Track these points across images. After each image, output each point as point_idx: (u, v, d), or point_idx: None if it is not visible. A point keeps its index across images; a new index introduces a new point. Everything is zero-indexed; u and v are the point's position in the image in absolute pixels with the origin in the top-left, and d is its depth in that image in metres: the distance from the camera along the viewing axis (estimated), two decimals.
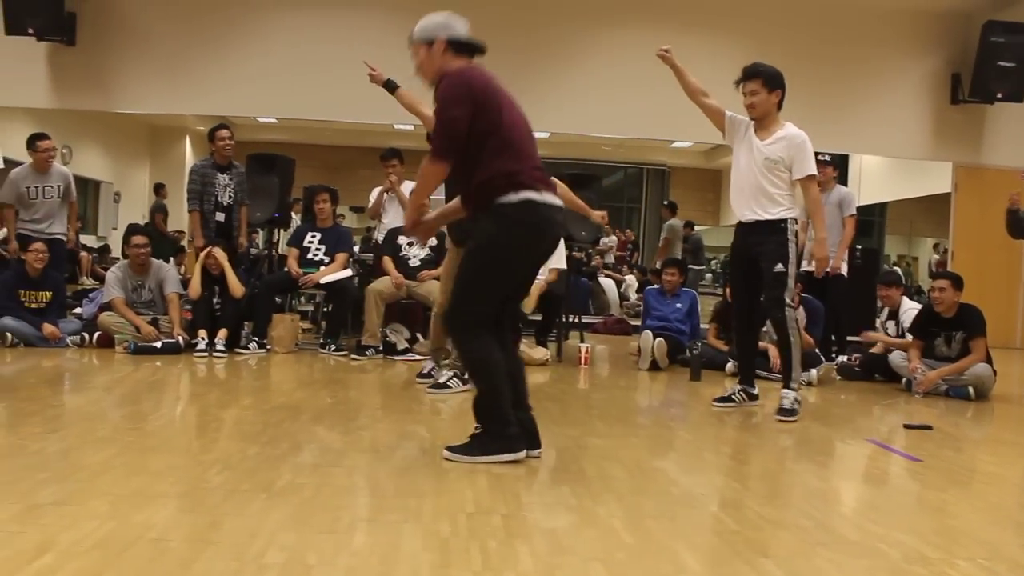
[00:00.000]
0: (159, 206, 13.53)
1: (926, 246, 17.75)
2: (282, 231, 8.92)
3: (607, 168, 19.03)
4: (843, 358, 6.92)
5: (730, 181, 4.97)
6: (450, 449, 3.27)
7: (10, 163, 7.14)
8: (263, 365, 6.03)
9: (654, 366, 6.54)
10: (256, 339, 6.57)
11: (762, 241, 4.76)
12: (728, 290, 7.13)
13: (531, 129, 3.44)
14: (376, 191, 7.49)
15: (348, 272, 6.96)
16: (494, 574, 2.11)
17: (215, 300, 6.53)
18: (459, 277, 3.35)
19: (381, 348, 6.53)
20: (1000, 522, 2.87)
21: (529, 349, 6.48)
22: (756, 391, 5.04)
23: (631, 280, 14.05)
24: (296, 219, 9.86)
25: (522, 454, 3.26)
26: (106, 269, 8.88)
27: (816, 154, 4.90)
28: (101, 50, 8.83)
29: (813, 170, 4.77)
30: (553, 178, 5.51)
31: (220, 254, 6.53)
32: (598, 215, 6.47)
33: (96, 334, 6.44)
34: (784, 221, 4.73)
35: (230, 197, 7.00)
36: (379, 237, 7.49)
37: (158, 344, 6.15)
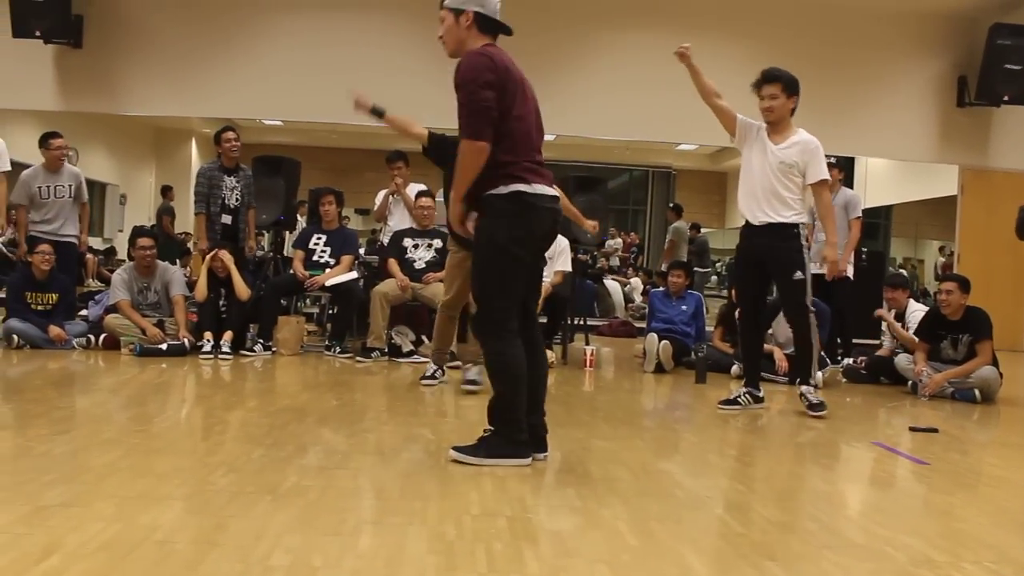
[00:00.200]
0: (166, 208, 13.56)
1: (932, 249, 17.71)
2: (288, 233, 8.93)
3: (613, 170, 19.03)
4: (848, 361, 6.91)
5: (739, 183, 4.97)
6: (457, 449, 3.28)
7: (16, 166, 7.13)
8: (268, 367, 6.03)
9: (659, 368, 6.53)
10: (261, 341, 6.58)
11: (773, 245, 4.78)
12: (733, 292, 7.16)
13: (540, 121, 3.44)
14: (382, 193, 7.50)
15: (353, 274, 6.96)
16: None
17: (221, 302, 6.54)
18: (472, 282, 3.37)
19: (386, 350, 6.54)
20: (1006, 525, 2.86)
21: None
22: (761, 393, 5.04)
23: (636, 282, 14.04)
24: (301, 221, 9.87)
25: (527, 461, 3.26)
26: (112, 271, 8.91)
27: None
28: (108, 53, 8.84)
29: (827, 175, 4.84)
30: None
31: (227, 256, 6.54)
32: (590, 224, 6.47)
33: (102, 336, 6.45)
34: (796, 226, 4.78)
35: (237, 200, 7.01)
36: (384, 239, 7.50)
37: (164, 346, 6.16)
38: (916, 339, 6.10)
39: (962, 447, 4.37)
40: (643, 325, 8.27)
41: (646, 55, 9.07)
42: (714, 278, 17.47)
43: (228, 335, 6.33)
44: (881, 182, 14.06)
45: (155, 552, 2.17)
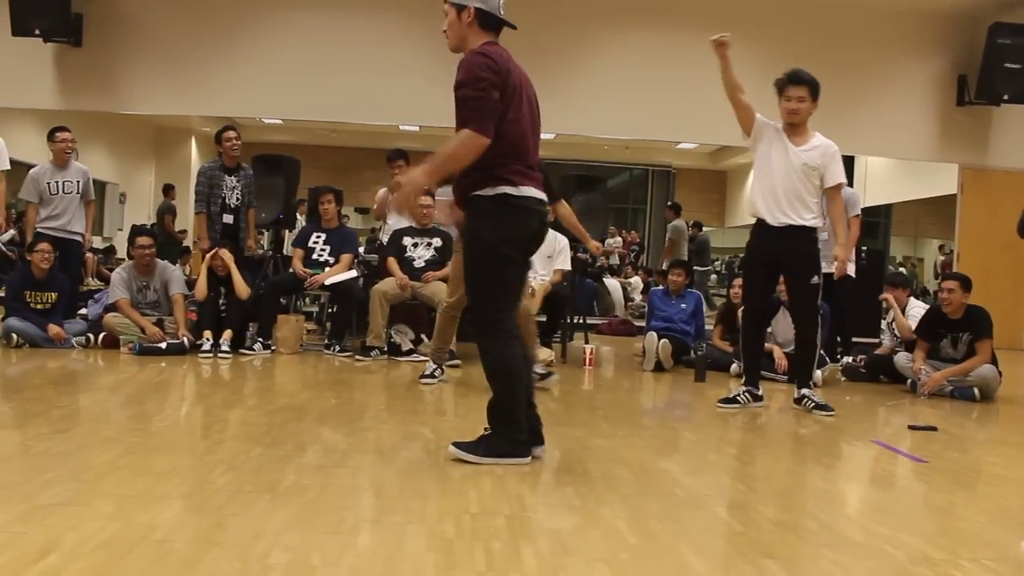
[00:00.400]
0: (168, 207, 13.56)
1: (932, 247, 17.71)
2: (287, 232, 8.93)
3: (612, 169, 19.01)
4: (848, 359, 6.91)
5: (755, 182, 4.93)
6: (456, 445, 3.28)
7: (16, 165, 7.13)
8: (268, 366, 6.03)
9: (658, 367, 6.53)
10: (261, 340, 6.58)
11: (793, 248, 4.80)
12: (732, 291, 7.16)
13: (537, 123, 3.43)
14: (382, 192, 7.50)
15: (353, 273, 6.96)
16: (498, 575, 2.11)
17: (220, 301, 6.54)
18: (466, 284, 3.37)
19: (386, 349, 6.54)
20: (1005, 523, 2.86)
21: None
22: (761, 392, 5.04)
23: (636, 281, 14.05)
24: (301, 220, 9.87)
25: (527, 460, 3.26)
26: (111, 270, 8.90)
27: None
28: (107, 51, 8.85)
29: (844, 179, 4.90)
30: (561, 202, 5.54)
31: (227, 255, 6.53)
32: (594, 245, 6.50)
33: (101, 335, 6.45)
34: (815, 229, 4.83)
35: (237, 199, 7.01)
36: (384, 238, 7.50)
37: (163, 345, 6.16)
38: (914, 328, 6.12)
39: (961, 445, 4.37)
40: (643, 324, 8.27)
41: (646, 54, 9.08)
42: (714, 277, 17.47)
43: (227, 334, 6.33)
44: (881, 181, 14.05)
45: (154, 551, 2.17)
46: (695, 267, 10.61)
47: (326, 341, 6.87)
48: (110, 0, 8.86)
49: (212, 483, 2.83)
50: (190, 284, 6.84)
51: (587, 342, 7.38)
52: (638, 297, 13.27)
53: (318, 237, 7.04)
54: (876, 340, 7.22)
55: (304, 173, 8.24)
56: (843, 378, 6.52)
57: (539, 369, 5.37)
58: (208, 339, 6.25)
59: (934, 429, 4.53)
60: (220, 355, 6.17)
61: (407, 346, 6.62)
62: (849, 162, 11.83)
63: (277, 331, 6.62)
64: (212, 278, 6.52)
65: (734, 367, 6.30)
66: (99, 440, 3.39)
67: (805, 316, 4.92)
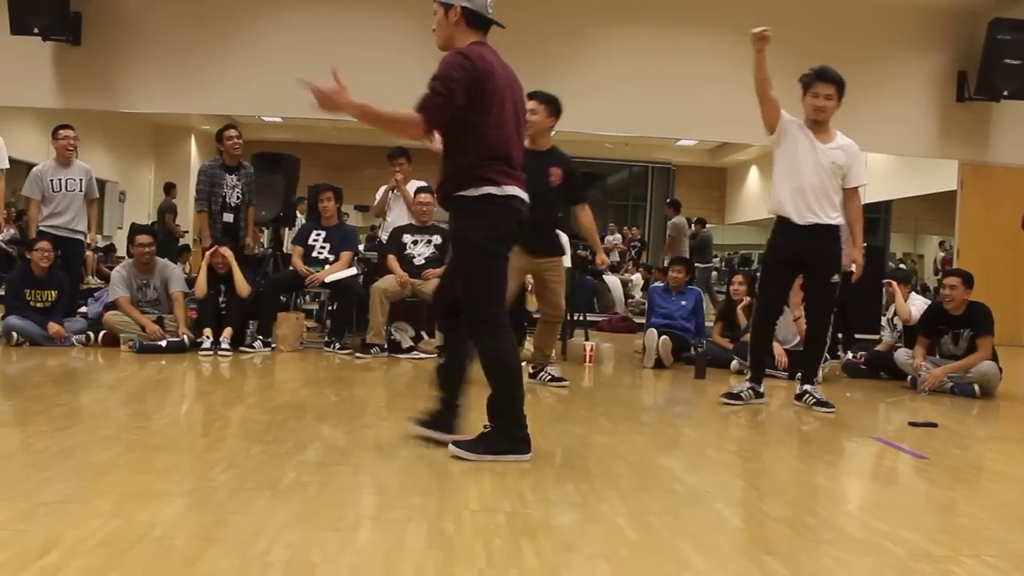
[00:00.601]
0: (168, 205, 13.57)
1: (932, 244, 17.73)
2: (287, 230, 8.93)
3: (612, 166, 19.03)
4: (848, 356, 6.91)
5: (779, 178, 4.87)
6: (456, 444, 3.28)
7: (16, 163, 7.12)
8: (268, 364, 6.03)
9: (659, 364, 6.53)
10: (261, 338, 6.57)
11: (821, 246, 4.80)
12: (731, 288, 7.15)
13: (522, 124, 3.46)
14: (382, 189, 7.50)
15: (353, 270, 6.96)
16: (499, 572, 2.11)
17: (220, 299, 6.54)
18: (460, 285, 3.38)
19: (386, 346, 6.54)
20: (1006, 519, 2.86)
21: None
22: (763, 389, 5.04)
23: (636, 278, 14.04)
24: (301, 218, 9.87)
25: (527, 457, 3.26)
26: (111, 268, 8.89)
27: None
28: (106, 50, 8.84)
29: (867, 180, 4.92)
30: (584, 206, 5.53)
31: (228, 253, 6.53)
32: (602, 259, 6.48)
33: (101, 333, 6.45)
34: (839, 227, 4.83)
35: (238, 198, 7.01)
36: (384, 235, 7.50)
37: (163, 343, 6.16)
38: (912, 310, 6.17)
39: (962, 442, 4.37)
40: (643, 321, 8.27)
41: (646, 51, 9.07)
42: (714, 274, 17.49)
43: (228, 332, 6.33)
44: (881, 177, 14.05)
45: (154, 548, 2.16)
46: (696, 264, 10.60)
47: (326, 339, 6.87)
48: None
49: (212, 481, 2.83)
50: (190, 282, 6.84)
51: (587, 339, 7.38)
52: (638, 294, 13.28)
53: (318, 235, 7.04)
54: (876, 337, 7.21)
55: (304, 171, 8.23)
56: (844, 374, 6.51)
57: (554, 372, 5.45)
58: (208, 337, 6.25)
59: (934, 425, 4.53)
60: (220, 353, 6.17)
61: (407, 343, 6.62)
62: None
63: (277, 329, 6.61)
64: (212, 276, 6.52)
65: (734, 364, 6.30)
66: (99, 438, 3.38)
67: (819, 313, 4.94)
